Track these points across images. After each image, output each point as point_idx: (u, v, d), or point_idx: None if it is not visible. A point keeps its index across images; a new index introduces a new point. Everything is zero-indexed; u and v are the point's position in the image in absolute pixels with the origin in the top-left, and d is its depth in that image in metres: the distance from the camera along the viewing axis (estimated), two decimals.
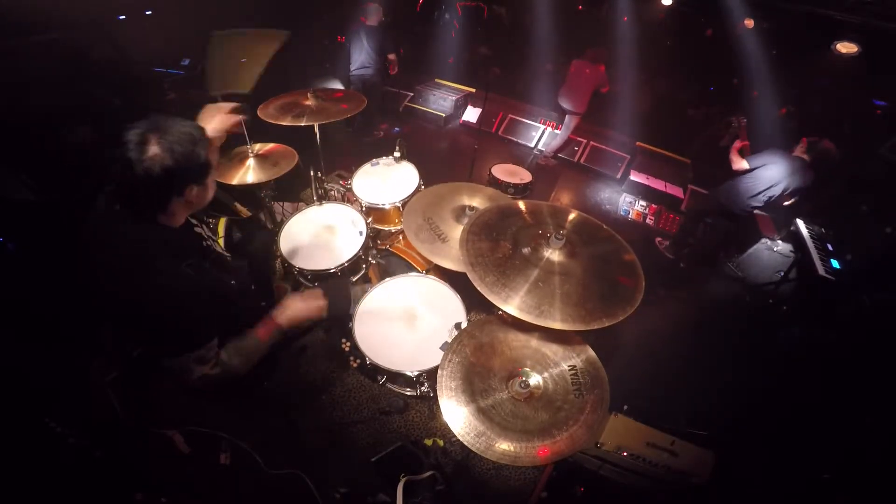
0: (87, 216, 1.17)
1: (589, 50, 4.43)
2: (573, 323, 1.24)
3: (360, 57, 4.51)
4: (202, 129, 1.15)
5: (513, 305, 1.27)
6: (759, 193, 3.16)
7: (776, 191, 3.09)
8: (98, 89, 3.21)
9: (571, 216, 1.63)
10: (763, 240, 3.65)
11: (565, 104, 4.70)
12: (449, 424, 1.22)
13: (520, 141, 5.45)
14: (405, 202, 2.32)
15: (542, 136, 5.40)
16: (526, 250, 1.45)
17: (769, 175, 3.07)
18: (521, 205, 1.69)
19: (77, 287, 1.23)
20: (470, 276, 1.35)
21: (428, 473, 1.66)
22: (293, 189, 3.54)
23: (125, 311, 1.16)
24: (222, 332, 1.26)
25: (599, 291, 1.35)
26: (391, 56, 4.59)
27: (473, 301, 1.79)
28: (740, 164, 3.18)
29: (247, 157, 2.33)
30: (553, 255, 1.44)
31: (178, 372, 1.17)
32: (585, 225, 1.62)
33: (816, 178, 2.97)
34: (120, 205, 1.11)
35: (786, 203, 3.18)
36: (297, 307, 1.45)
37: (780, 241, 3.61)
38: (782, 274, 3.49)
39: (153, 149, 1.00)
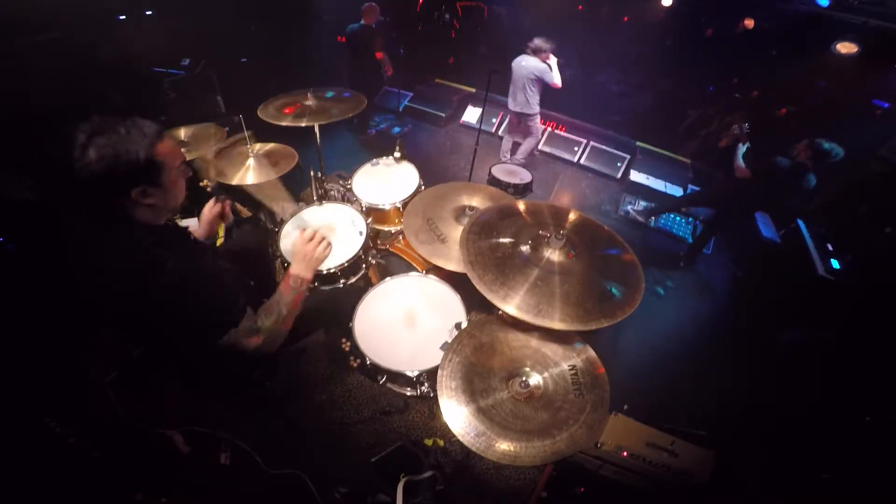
0: (69, 218, 1.15)
1: (535, 39, 3.82)
2: (572, 323, 1.24)
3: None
4: (151, 131, 1.07)
5: (512, 304, 1.27)
6: (768, 200, 3.13)
7: (783, 195, 3.06)
8: (98, 89, 3.21)
9: (571, 216, 1.64)
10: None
11: (514, 107, 4.21)
12: (449, 424, 1.21)
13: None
14: (405, 202, 2.32)
15: (542, 136, 5.38)
16: (525, 248, 1.45)
17: (778, 181, 3.03)
18: (521, 205, 1.69)
19: (75, 288, 1.20)
20: (469, 274, 1.35)
21: (428, 473, 1.65)
22: (293, 189, 3.54)
23: (151, 310, 1.10)
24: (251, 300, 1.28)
25: (599, 292, 1.35)
26: (378, 55, 4.56)
27: (473, 301, 1.79)
28: (745, 173, 3.11)
29: (247, 157, 2.33)
30: (553, 254, 1.44)
31: (234, 351, 1.20)
32: (585, 225, 1.62)
33: (818, 179, 2.95)
34: (71, 206, 1.09)
35: (789, 204, 3.16)
36: (303, 249, 1.47)
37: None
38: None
39: (88, 151, 0.98)
